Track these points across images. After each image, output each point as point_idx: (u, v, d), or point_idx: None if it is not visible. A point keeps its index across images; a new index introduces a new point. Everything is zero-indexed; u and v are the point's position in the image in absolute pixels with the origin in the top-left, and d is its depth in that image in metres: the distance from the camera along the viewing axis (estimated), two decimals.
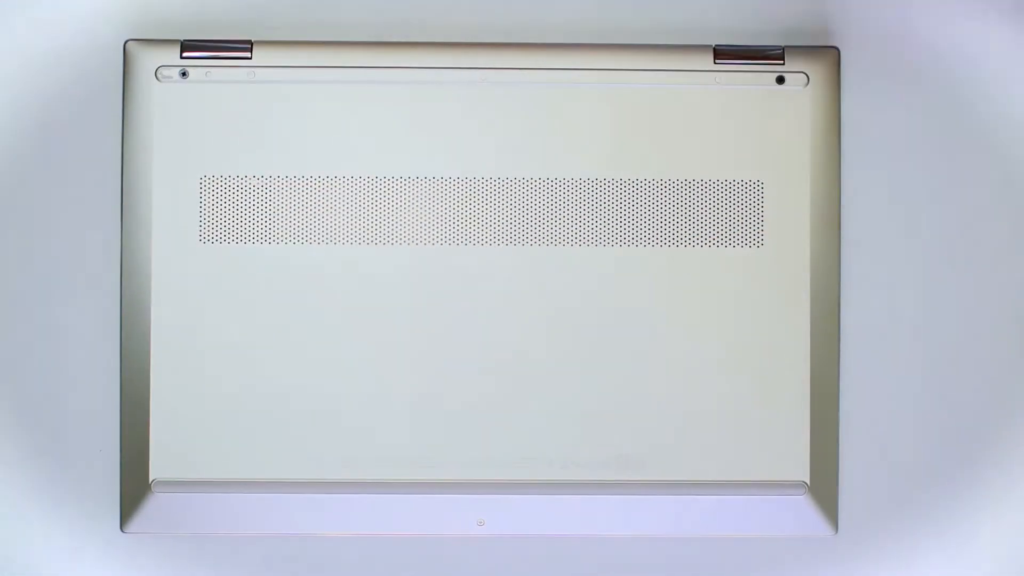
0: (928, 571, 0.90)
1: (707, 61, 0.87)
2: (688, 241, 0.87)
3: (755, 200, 0.87)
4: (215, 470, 0.86)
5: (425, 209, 0.87)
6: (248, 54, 0.87)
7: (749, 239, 0.87)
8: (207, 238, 0.87)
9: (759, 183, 0.87)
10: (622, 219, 0.87)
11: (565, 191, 0.87)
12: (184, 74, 0.87)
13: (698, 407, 0.87)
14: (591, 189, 0.87)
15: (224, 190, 0.87)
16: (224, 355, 0.86)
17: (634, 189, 0.87)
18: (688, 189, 0.87)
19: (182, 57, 0.87)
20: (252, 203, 0.87)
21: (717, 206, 0.87)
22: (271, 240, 0.87)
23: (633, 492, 0.87)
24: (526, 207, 0.87)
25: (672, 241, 0.87)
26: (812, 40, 0.90)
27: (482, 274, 0.87)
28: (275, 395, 0.86)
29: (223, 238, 0.87)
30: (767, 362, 0.87)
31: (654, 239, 0.87)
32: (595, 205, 0.87)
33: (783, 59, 0.87)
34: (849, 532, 0.90)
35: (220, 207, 0.87)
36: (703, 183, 0.87)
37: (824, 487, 0.87)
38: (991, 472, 0.90)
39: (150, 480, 0.86)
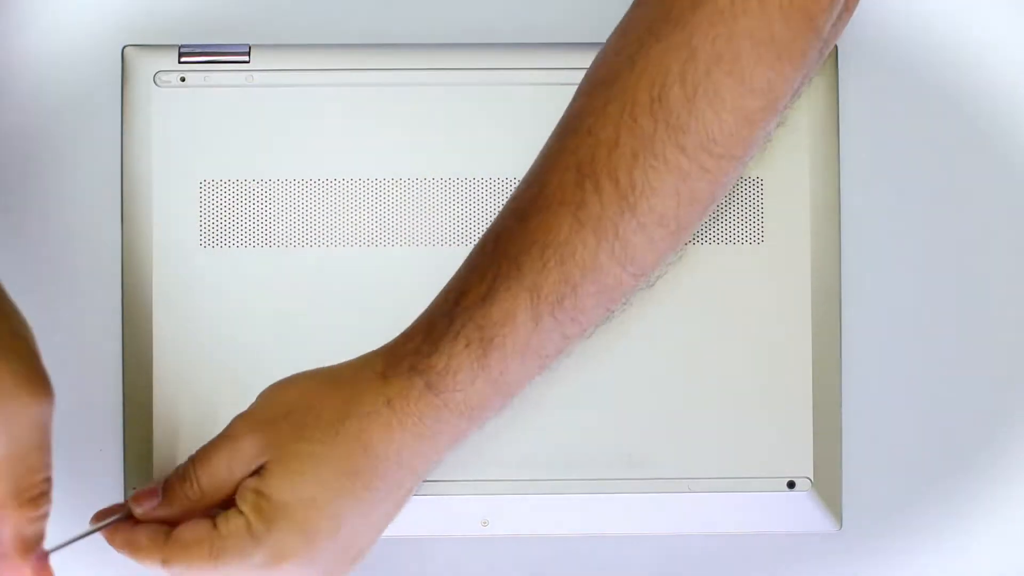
0: (931, 566, 0.90)
1: None
2: (688, 238, 0.87)
3: (755, 197, 0.87)
4: None
5: (426, 210, 0.87)
6: (246, 58, 0.87)
7: (749, 236, 0.87)
8: (208, 242, 0.87)
9: (758, 180, 0.87)
10: None
11: None
12: (183, 79, 0.87)
13: (700, 404, 0.87)
14: None
15: (224, 194, 0.87)
16: (226, 359, 0.86)
17: None
18: None
19: (180, 62, 0.87)
20: (252, 207, 0.87)
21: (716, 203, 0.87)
22: (272, 244, 0.87)
23: (636, 491, 0.87)
24: None
25: None
26: None
27: None
28: None
29: (224, 242, 0.87)
30: (769, 358, 0.87)
31: None
32: None
33: None
34: (853, 527, 0.90)
35: (220, 211, 0.87)
36: None
37: (827, 483, 0.87)
38: (993, 467, 0.90)
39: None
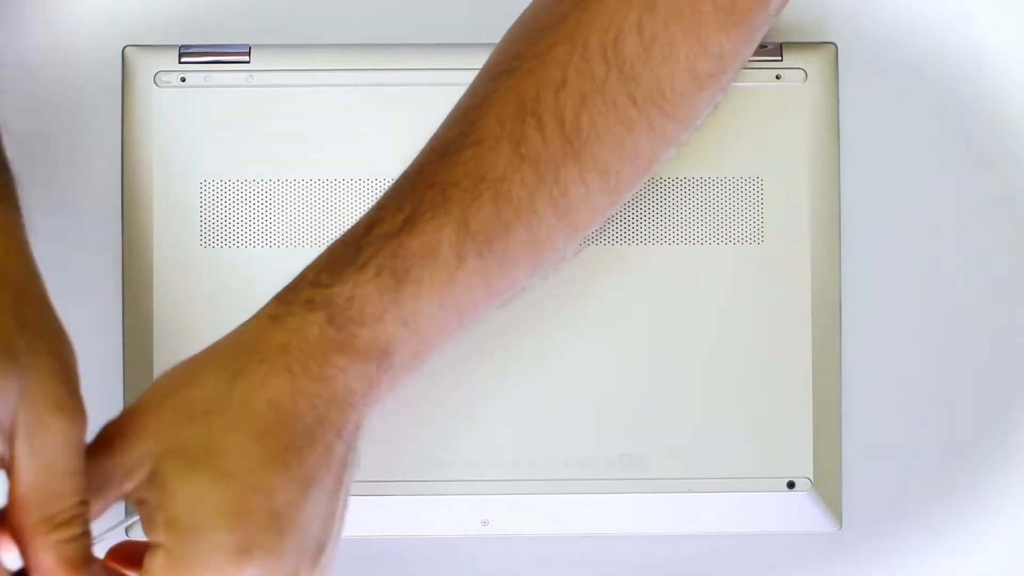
0: (931, 566, 0.90)
1: None
2: (688, 239, 0.87)
3: (754, 197, 0.87)
4: None
5: None
6: (246, 58, 0.87)
7: (749, 236, 0.87)
8: (208, 243, 0.87)
9: (758, 180, 0.87)
10: (621, 217, 0.87)
11: None
12: (183, 79, 0.87)
13: (700, 404, 0.87)
14: None
15: (224, 194, 0.87)
16: None
17: None
18: (687, 186, 0.87)
19: (180, 62, 0.87)
20: (252, 207, 0.87)
21: (716, 203, 0.87)
22: (272, 244, 0.87)
23: (636, 491, 0.87)
24: None
25: (671, 239, 0.87)
26: (810, 36, 0.90)
27: None
28: None
29: (224, 242, 0.87)
30: (769, 358, 0.87)
31: (653, 237, 0.87)
32: None
33: (781, 55, 0.88)
34: (853, 528, 0.90)
35: (220, 211, 0.87)
36: (702, 180, 0.87)
37: (827, 483, 0.87)
38: (994, 467, 0.90)
39: None
